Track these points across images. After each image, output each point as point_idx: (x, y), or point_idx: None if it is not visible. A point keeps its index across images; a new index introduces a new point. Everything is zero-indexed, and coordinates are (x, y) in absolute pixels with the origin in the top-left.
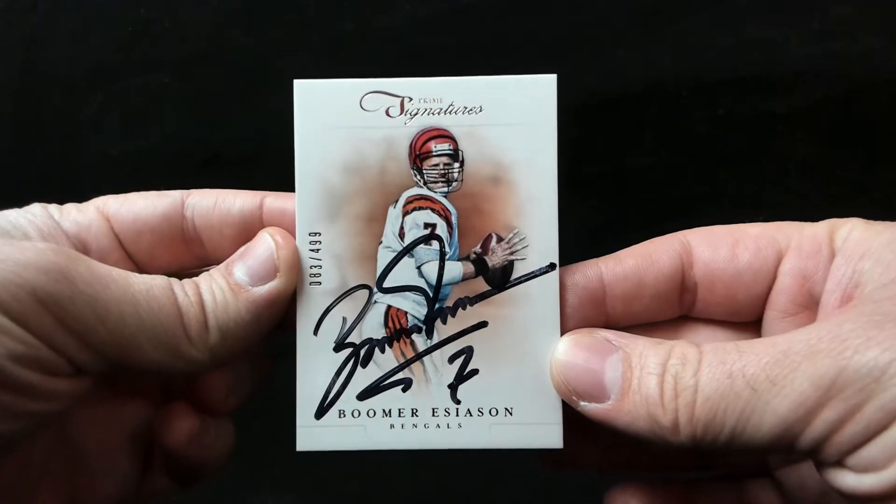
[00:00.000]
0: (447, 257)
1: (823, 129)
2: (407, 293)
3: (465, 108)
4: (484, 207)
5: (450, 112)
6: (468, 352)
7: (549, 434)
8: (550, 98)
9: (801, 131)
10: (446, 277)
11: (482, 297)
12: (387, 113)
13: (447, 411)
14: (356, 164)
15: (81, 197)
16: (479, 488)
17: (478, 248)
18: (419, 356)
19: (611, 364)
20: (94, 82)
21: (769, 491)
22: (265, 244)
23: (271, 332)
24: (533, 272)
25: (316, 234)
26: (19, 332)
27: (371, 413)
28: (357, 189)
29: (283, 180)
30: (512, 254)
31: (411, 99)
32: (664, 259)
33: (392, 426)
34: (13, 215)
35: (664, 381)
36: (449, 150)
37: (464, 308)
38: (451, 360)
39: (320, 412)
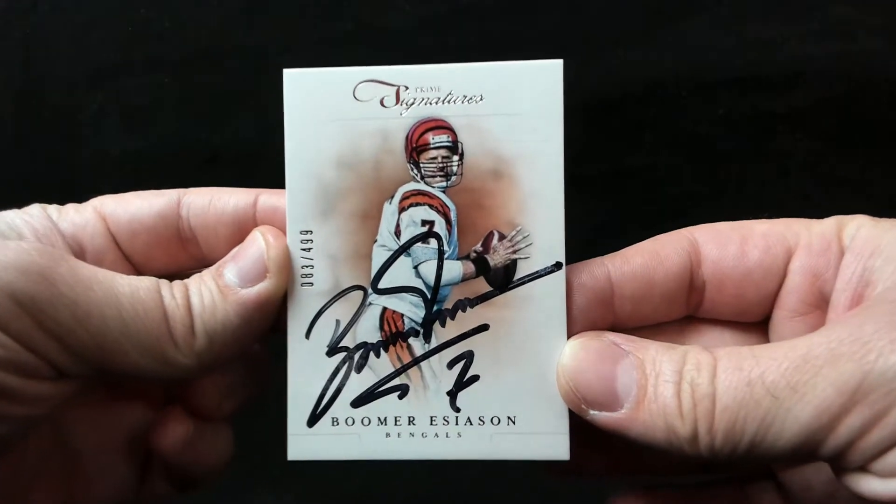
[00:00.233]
0: (446, 256)
1: (823, 129)
2: (403, 294)
3: (465, 96)
4: (485, 203)
5: (448, 101)
6: (468, 357)
7: (554, 444)
8: (556, 85)
9: (801, 131)
10: (445, 278)
11: (483, 298)
12: (381, 103)
13: (446, 420)
14: (349, 158)
15: (81, 197)
16: (479, 487)
17: (478, 247)
18: (416, 361)
19: (623, 370)
20: (94, 82)
21: (772, 493)
22: (256, 244)
23: (265, 336)
24: (537, 272)
25: (308, 232)
26: None
27: (366, 421)
28: (351, 184)
29: (284, 181)
30: (515, 252)
31: (407, 88)
32: (673, 257)
33: (388, 435)
34: (10, 216)
35: (681, 390)
36: (447, 142)
37: (464, 310)
38: (451, 365)
39: (313, 420)
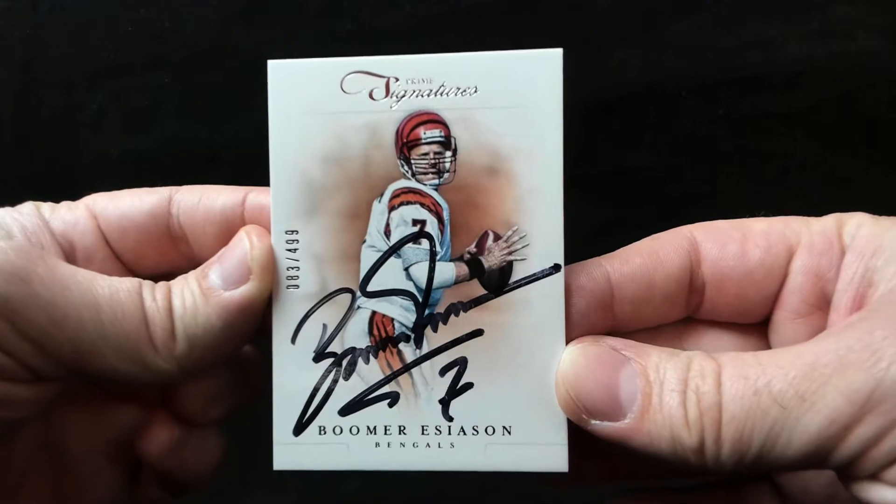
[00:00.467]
0: (438, 258)
1: (823, 129)
2: (394, 298)
3: (458, 88)
4: (479, 201)
5: (441, 94)
6: (461, 363)
7: (552, 456)
8: (555, 76)
9: (801, 131)
10: (437, 280)
11: (477, 302)
12: (370, 96)
13: (438, 429)
14: (337, 154)
15: (80, 197)
16: (479, 486)
17: (472, 248)
18: (407, 368)
19: (625, 377)
20: (94, 82)
21: (769, 496)
22: (240, 244)
23: (250, 340)
24: (534, 274)
25: (293, 232)
26: None
27: (354, 430)
28: (338, 182)
29: None
30: (510, 254)
31: (397, 79)
32: (673, 257)
33: (377, 445)
34: (0, 214)
35: (687, 399)
36: (440, 136)
37: (457, 314)
38: (443, 372)
39: (299, 428)
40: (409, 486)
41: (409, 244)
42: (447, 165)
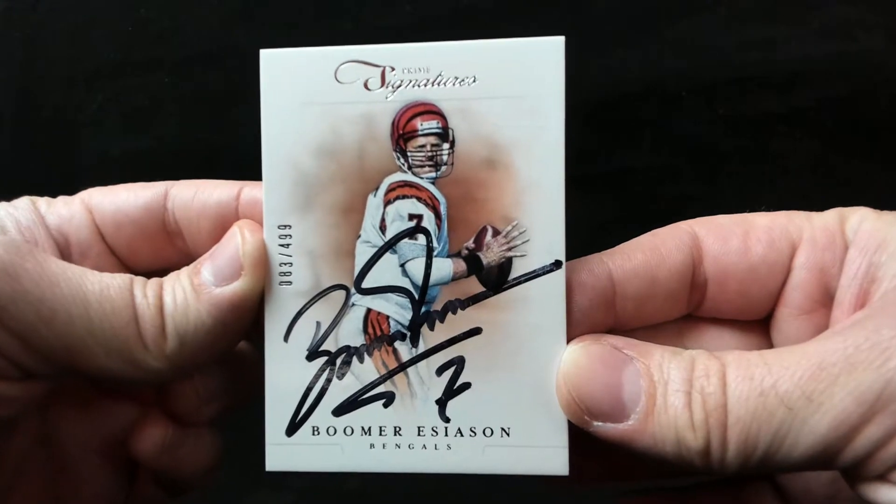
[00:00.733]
0: (435, 253)
1: (823, 129)
2: (389, 295)
3: (456, 78)
4: (478, 195)
5: (438, 83)
6: (459, 362)
7: (552, 458)
8: (557, 65)
9: (801, 131)
10: (434, 277)
11: (475, 299)
12: (365, 86)
13: (435, 430)
14: (331, 146)
15: None
16: (480, 483)
17: (470, 243)
18: (403, 367)
19: (628, 378)
20: (94, 82)
21: (770, 496)
22: (233, 240)
23: (243, 339)
24: (535, 271)
25: (286, 227)
26: None
27: (348, 431)
28: (332, 175)
29: None
30: (510, 249)
31: (393, 69)
32: (675, 253)
33: (372, 446)
34: None
35: (692, 400)
36: (437, 128)
37: (454, 312)
38: (440, 371)
39: (292, 429)
40: (411, 484)
41: (406, 240)
42: (445, 158)
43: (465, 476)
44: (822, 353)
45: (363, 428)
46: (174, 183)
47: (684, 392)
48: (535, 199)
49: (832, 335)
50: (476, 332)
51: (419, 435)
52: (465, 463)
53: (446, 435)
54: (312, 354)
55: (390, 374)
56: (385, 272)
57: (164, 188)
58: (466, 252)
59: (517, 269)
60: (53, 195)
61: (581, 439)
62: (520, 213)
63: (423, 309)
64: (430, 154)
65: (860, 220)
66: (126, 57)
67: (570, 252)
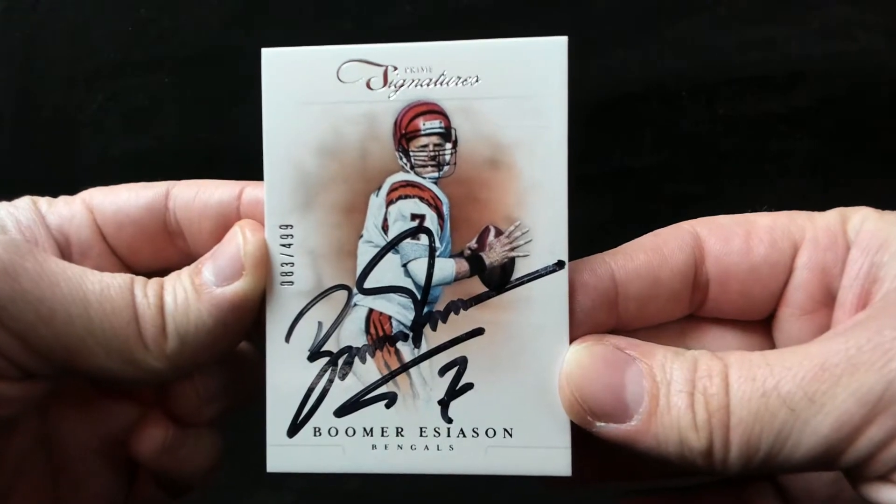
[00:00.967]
0: (438, 254)
1: (823, 129)
2: (391, 295)
3: (459, 78)
4: (480, 195)
5: (441, 83)
6: (461, 363)
7: (554, 459)
8: (560, 65)
9: (801, 131)
10: (436, 277)
11: (478, 299)
12: (368, 85)
13: (437, 431)
14: (333, 146)
15: None
16: (480, 483)
17: (473, 244)
18: (405, 367)
19: (630, 378)
20: (94, 82)
21: (771, 496)
22: (234, 240)
23: (244, 339)
24: (537, 271)
25: (287, 226)
26: None
27: (350, 431)
28: (334, 174)
29: None
30: (513, 250)
31: (396, 68)
32: (677, 254)
33: (374, 447)
34: None
35: (695, 401)
36: (440, 127)
37: (456, 312)
38: (442, 372)
39: (293, 429)
40: (412, 484)
41: (408, 239)
42: (447, 158)
43: (466, 476)
44: (825, 353)
45: (365, 429)
46: (175, 183)
47: (687, 393)
48: (537, 199)
49: (834, 336)
50: (479, 332)
51: (421, 436)
52: (468, 464)
53: (449, 436)
54: (314, 355)
55: (392, 375)
56: (387, 272)
57: (166, 188)
58: (469, 252)
59: (520, 270)
60: (53, 195)
61: (583, 440)
62: (522, 213)
63: (426, 309)
64: (432, 154)
65: (862, 220)
66: (126, 57)
67: (571, 252)
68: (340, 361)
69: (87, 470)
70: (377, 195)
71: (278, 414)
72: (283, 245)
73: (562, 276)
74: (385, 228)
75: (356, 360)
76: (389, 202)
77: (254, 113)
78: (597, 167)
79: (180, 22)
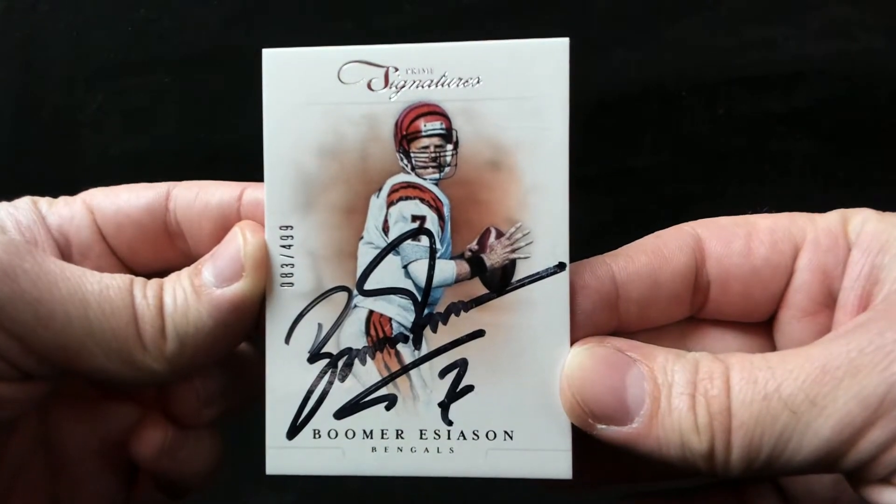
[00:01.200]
0: (438, 255)
1: (823, 129)
2: (392, 296)
3: (460, 79)
4: (481, 197)
5: (442, 84)
6: (462, 365)
7: (555, 462)
8: (561, 66)
9: (801, 131)
10: (437, 279)
11: (478, 301)
12: (369, 86)
13: (437, 433)
14: (333, 147)
15: None
16: (481, 485)
17: (474, 245)
18: (405, 369)
19: (632, 380)
20: (94, 82)
21: (771, 497)
22: (234, 241)
23: (244, 340)
24: (538, 273)
25: (287, 227)
26: None
27: (350, 434)
28: (334, 176)
29: None
30: (514, 251)
31: (397, 69)
32: (678, 255)
33: (374, 449)
34: None
35: (696, 403)
36: (441, 129)
37: (457, 314)
38: (443, 374)
39: (293, 432)
40: (412, 485)
41: (408, 241)
42: (448, 159)
43: (466, 479)
44: (826, 356)
45: (365, 431)
46: (176, 184)
47: (688, 395)
48: (538, 200)
49: (835, 338)
50: (479, 334)
51: (421, 438)
52: (468, 466)
53: (449, 438)
54: (314, 356)
55: (392, 377)
56: (387, 274)
57: (166, 189)
58: (470, 254)
59: (520, 272)
60: (53, 195)
61: (584, 442)
62: (524, 214)
63: (426, 311)
64: (433, 155)
65: (863, 222)
66: (126, 57)
67: (571, 253)
68: (340, 363)
69: (86, 471)
70: (378, 196)
71: (278, 416)
72: (284, 246)
73: (563, 277)
74: (386, 230)
75: (356, 361)
76: (390, 203)
77: (254, 113)
78: (597, 168)
79: (180, 22)
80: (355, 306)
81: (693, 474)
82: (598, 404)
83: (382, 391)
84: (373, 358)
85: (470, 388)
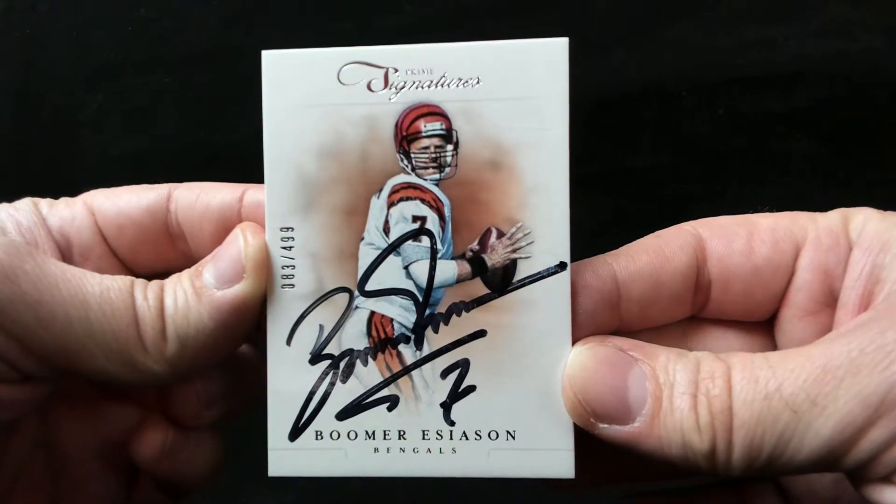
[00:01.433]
0: (439, 256)
1: (823, 129)
2: (393, 297)
3: (460, 79)
4: (482, 197)
5: (442, 85)
6: (463, 365)
7: (557, 461)
8: (561, 66)
9: (801, 131)
10: (438, 279)
11: (480, 301)
12: (368, 87)
13: (439, 434)
14: (334, 148)
15: None
16: (483, 485)
17: (475, 245)
18: (407, 370)
19: (633, 380)
20: (94, 82)
21: (772, 496)
22: (235, 242)
23: (244, 342)
24: (539, 273)
25: (288, 229)
26: None
27: (352, 435)
28: (335, 177)
29: None
30: (514, 251)
31: (397, 70)
32: (679, 255)
33: (376, 450)
34: None
35: (698, 402)
36: (441, 129)
37: (458, 314)
38: (444, 374)
39: (295, 433)
40: (414, 485)
41: (409, 241)
42: (448, 160)
43: (469, 479)
44: (827, 355)
45: (367, 432)
46: (177, 185)
47: (690, 394)
48: (539, 200)
49: (836, 337)
50: (481, 334)
51: (424, 439)
52: (470, 467)
53: (451, 438)
54: (315, 358)
55: (394, 378)
56: (389, 274)
57: (167, 190)
58: (471, 254)
59: (522, 272)
60: (54, 196)
61: (586, 442)
62: (524, 214)
63: (428, 311)
64: (433, 156)
65: (864, 222)
66: (126, 57)
67: (572, 253)
68: (342, 364)
69: (86, 472)
70: (378, 197)
71: (280, 417)
72: (284, 248)
73: (564, 277)
74: (386, 230)
75: (358, 362)
76: (391, 204)
77: (254, 113)
78: (597, 168)
79: (180, 22)
80: (356, 307)
81: (694, 474)
82: (599, 404)
83: (384, 392)
84: (374, 359)
85: (472, 389)
